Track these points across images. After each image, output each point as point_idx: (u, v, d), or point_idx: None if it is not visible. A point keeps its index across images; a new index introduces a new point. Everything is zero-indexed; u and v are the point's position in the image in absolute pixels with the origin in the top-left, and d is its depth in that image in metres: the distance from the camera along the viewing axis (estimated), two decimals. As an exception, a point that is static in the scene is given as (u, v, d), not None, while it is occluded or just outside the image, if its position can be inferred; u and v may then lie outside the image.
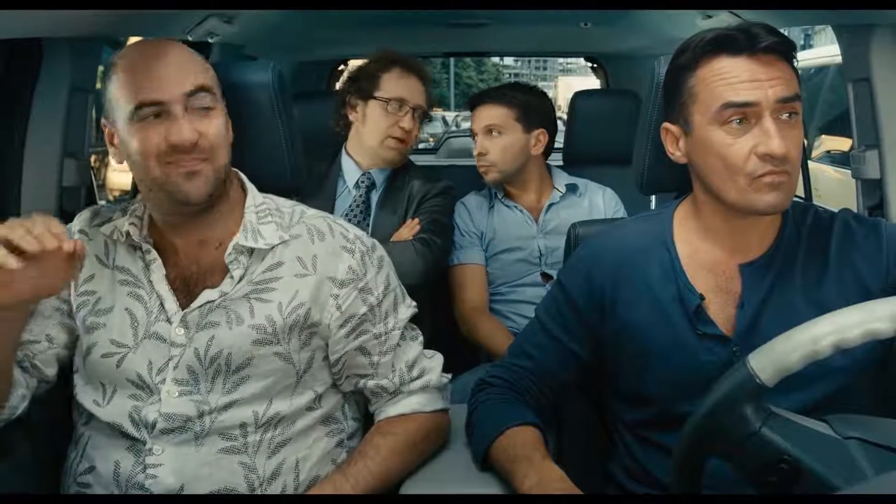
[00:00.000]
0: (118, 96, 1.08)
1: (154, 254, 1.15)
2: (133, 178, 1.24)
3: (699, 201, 1.12)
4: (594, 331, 1.16)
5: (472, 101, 2.10)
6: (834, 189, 4.08)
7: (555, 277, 1.94)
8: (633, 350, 1.12)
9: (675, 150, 1.12)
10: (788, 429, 0.76)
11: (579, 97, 2.38)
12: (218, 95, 1.13)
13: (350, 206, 1.96)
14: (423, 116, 1.99)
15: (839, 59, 1.54)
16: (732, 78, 1.02)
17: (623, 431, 1.19)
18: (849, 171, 1.56)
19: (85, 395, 1.15)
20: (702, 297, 1.08)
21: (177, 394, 1.10)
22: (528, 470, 1.05)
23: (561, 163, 2.37)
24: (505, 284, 2.03)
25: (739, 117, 1.01)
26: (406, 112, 1.92)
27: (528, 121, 2.02)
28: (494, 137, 2.02)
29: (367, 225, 1.95)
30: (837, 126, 4.48)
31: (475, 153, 2.04)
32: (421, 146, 9.09)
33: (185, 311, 1.12)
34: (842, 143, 4.43)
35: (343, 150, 2.03)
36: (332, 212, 1.92)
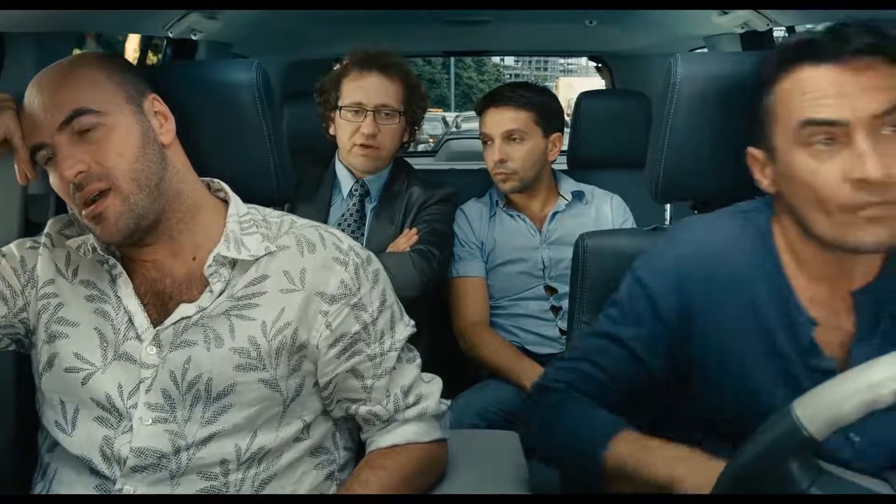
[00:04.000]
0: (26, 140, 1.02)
1: (119, 267, 1.06)
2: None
3: (788, 232, 0.99)
4: (675, 346, 1.02)
5: (485, 102, 1.96)
6: None
7: (560, 292, 1.85)
8: (723, 377, 0.98)
9: (763, 179, 0.99)
10: (842, 489, 0.65)
11: (585, 98, 2.29)
12: (110, 107, 1.01)
13: (343, 216, 1.88)
14: (404, 115, 1.84)
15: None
16: (813, 91, 0.88)
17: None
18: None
19: (44, 417, 1.06)
20: (814, 323, 0.94)
21: (150, 421, 1.00)
22: (675, 455, 0.91)
23: (565, 166, 2.28)
24: (506, 298, 1.94)
25: (826, 137, 0.88)
26: (365, 116, 1.80)
27: (546, 124, 1.93)
28: (516, 143, 1.91)
29: (362, 235, 1.86)
30: None
31: (495, 159, 1.91)
32: (421, 147, 9.11)
33: (158, 327, 1.03)
34: None
35: (336, 156, 1.94)
36: (325, 221, 1.85)
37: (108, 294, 1.06)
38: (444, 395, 1.18)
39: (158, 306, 1.05)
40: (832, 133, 0.87)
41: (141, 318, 1.04)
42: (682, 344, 1.01)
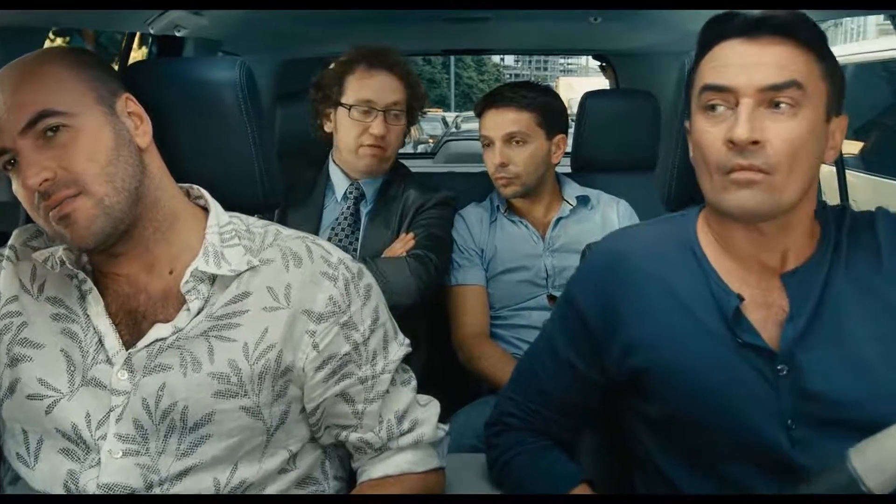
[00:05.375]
0: None
1: (90, 283, 0.97)
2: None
3: (708, 207, 1.02)
4: (606, 351, 1.04)
5: (484, 103, 1.88)
6: (865, 196, 3.87)
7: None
8: (659, 365, 0.99)
9: (693, 151, 1.02)
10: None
11: (590, 98, 2.21)
12: (76, 108, 0.93)
13: (337, 219, 1.80)
14: (409, 115, 1.80)
15: (854, 57, 1.36)
16: (719, 61, 0.93)
17: (649, 451, 1.04)
18: (879, 177, 1.38)
19: (5, 447, 0.98)
20: (740, 298, 0.96)
21: (120, 454, 0.92)
22: None
23: (569, 169, 2.21)
24: (507, 307, 1.86)
25: (719, 103, 0.92)
26: (375, 116, 1.73)
27: (549, 126, 1.85)
28: (518, 146, 1.83)
29: (357, 240, 1.79)
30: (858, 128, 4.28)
31: (496, 163, 1.83)
32: (420, 148, 9.03)
33: (131, 350, 0.94)
34: (856, 147, 4.24)
35: (330, 158, 1.87)
36: (318, 224, 1.79)
37: (76, 312, 0.98)
38: (442, 410, 1.12)
39: (131, 326, 0.97)
40: (725, 99, 0.91)
41: (112, 340, 0.96)
42: (624, 353, 1.02)
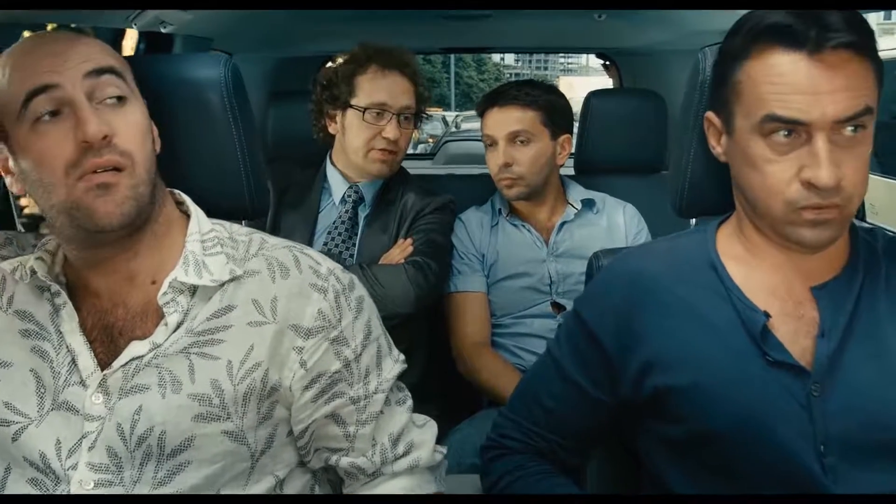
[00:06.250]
0: (6, 99, 0.85)
1: (64, 296, 0.91)
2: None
3: (740, 214, 0.97)
4: (621, 372, 0.98)
5: (487, 102, 1.82)
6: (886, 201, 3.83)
7: (569, 309, 1.73)
8: (681, 384, 0.93)
9: (717, 146, 0.97)
10: None
11: (594, 97, 2.16)
12: (132, 86, 0.90)
13: (334, 223, 1.75)
14: (416, 118, 1.75)
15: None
16: (784, 84, 0.84)
17: (665, 474, 0.99)
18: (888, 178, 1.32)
19: None
20: (767, 315, 0.91)
21: (91, 484, 0.85)
22: None
23: (571, 171, 2.15)
24: (509, 315, 1.80)
25: (786, 131, 0.85)
26: (389, 119, 1.68)
27: (554, 125, 1.79)
28: (522, 146, 1.77)
29: (354, 245, 1.73)
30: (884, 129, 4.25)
31: (499, 163, 1.78)
32: (420, 148, 9.00)
33: (106, 371, 0.88)
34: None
35: (328, 159, 1.80)
36: (314, 229, 1.73)
37: (47, 329, 0.91)
38: (441, 424, 1.07)
39: (107, 344, 0.90)
40: (794, 129, 0.85)
41: (86, 359, 0.89)
42: (642, 373, 0.96)
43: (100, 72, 0.85)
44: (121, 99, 0.87)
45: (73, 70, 0.84)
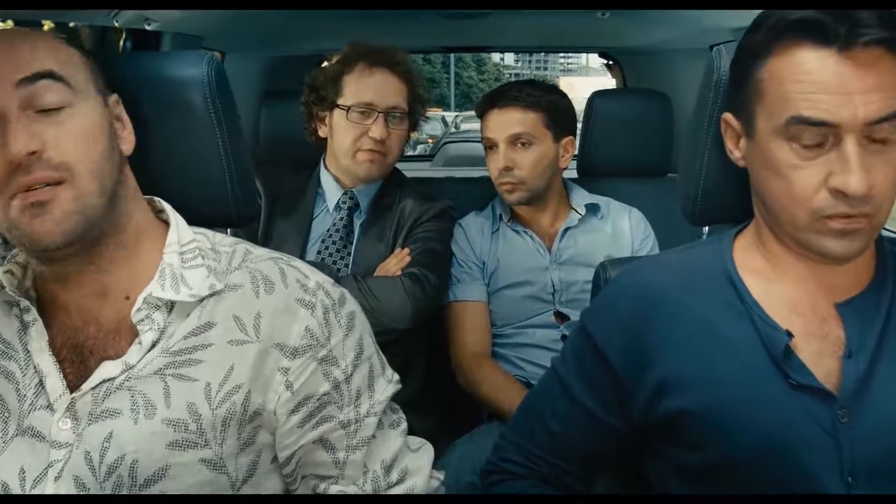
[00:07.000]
0: None
1: (34, 313, 0.85)
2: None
3: (759, 223, 0.93)
4: (631, 393, 0.93)
5: (487, 103, 1.76)
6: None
7: (572, 319, 1.67)
8: (697, 407, 0.88)
9: (735, 150, 0.92)
10: None
11: (598, 98, 2.11)
12: (81, 87, 0.83)
13: (328, 231, 1.69)
14: (410, 118, 1.69)
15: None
16: (811, 83, 0.78)
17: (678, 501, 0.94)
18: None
19: None
20: (789, 335, 0.86)
21: None
22: None
23: (575, 174, 2.10)
24: (511, 325, 1.73)
25: (814, 134, 0.80)
26: (375, 118, 1.62)
27: (556, 127, 1.73)
28: (523, 149, 1.71)
29: (349, 254, 1.67)
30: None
31: (499, 167, 1.72)
32: (419, 148, 8.95)
33: (75, 394, 0.82)
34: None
35: (322, 164, 1.74)
36: (307, 236, 1.67)
37: (14, 347, 0.85)
38: (439, 438, 1.01)
39: (77, 364, 0.84)
40: (822, 132, 0.79)
41: (54, 381, 0.83)
42: (655, 394, 0.91)
43: (33, 78, 0.79)
44: (59, 109, 0.80)
45: (4, 81, 0.78)
